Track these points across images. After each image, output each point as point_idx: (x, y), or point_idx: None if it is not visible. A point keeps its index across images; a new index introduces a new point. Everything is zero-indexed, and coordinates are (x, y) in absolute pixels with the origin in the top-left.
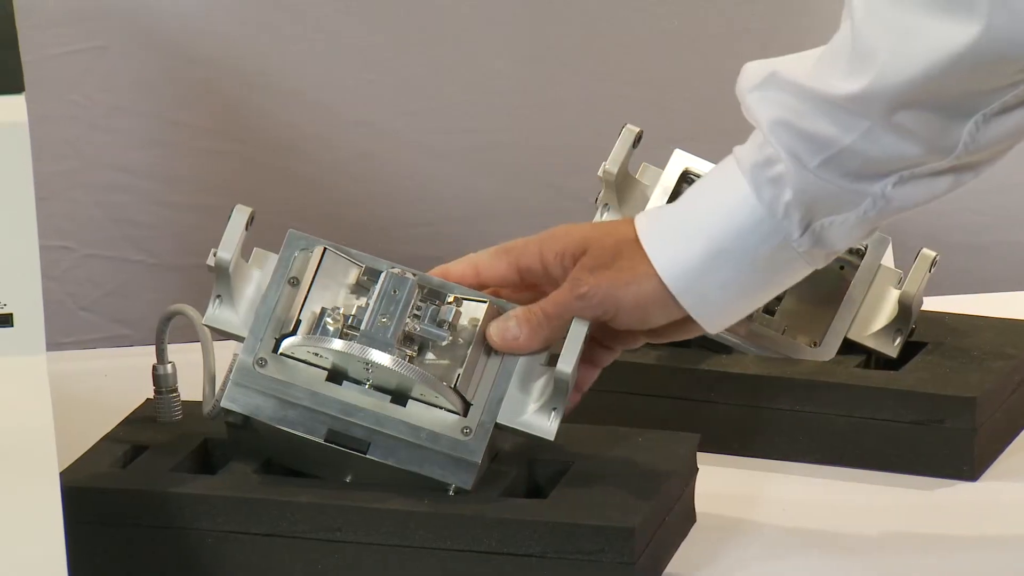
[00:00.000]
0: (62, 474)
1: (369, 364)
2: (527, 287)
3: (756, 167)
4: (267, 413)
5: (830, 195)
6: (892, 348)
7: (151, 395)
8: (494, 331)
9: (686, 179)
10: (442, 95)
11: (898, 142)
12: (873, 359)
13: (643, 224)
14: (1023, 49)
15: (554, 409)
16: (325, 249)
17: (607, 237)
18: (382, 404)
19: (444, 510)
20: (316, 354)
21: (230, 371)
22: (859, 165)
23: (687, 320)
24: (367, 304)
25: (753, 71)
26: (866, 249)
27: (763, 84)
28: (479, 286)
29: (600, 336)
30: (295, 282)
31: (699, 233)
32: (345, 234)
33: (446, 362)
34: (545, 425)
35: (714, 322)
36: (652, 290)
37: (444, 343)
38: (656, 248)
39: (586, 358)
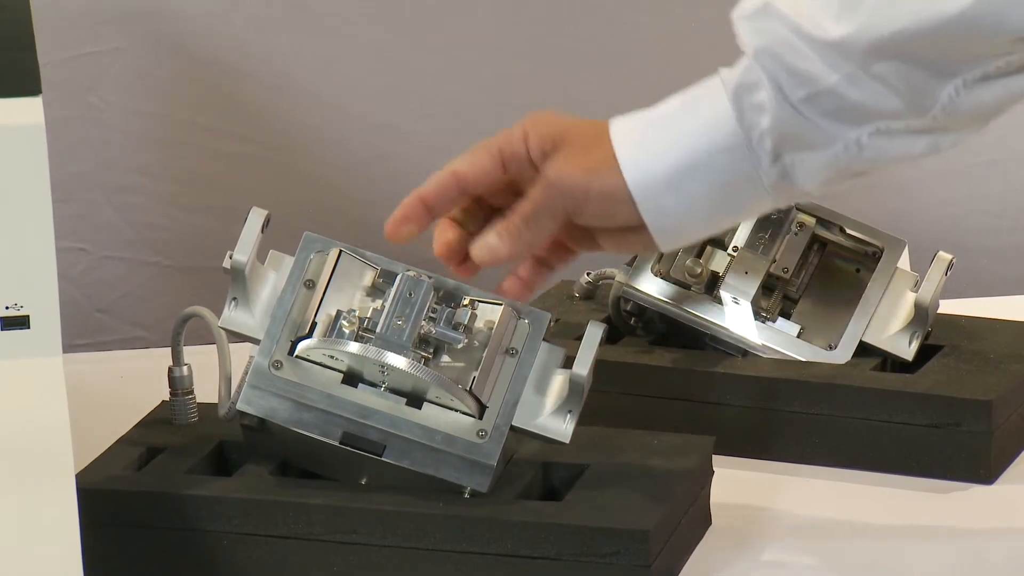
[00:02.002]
0: (78, 476)
1: (385, 367)
2: (510, 188)
3: (740, 89)
4: (282, 415)
5: (806, 131)
6: (908, 351)
7: (167, 397)
8: (477, 249)
9: None
10: (460, 97)
11: (878, 91)
12: (889, 362)
13: (618, 126)
14: (1012, 24)
15: (569, 412)
16: (341, 251)
17: (587, 129)
18: (397, 407)
19: (459, 512)
20: (332, 356)
21: (246, 373)
22: (839, 107)
23: (643, 232)
24: (383, 307)
25: (749, 1)
26: (882, 252)
27: (756, 13)
28: (463, 192)
29: (562, 235)
30: (311, 284)
31: (672, 145)
32: (361, 236)
33: (461, 365)
34: (560, 428)
35: (668, 238)
36: (617, 186)
37: (460, 346)
38: (626, 152)
39: (541, 259)
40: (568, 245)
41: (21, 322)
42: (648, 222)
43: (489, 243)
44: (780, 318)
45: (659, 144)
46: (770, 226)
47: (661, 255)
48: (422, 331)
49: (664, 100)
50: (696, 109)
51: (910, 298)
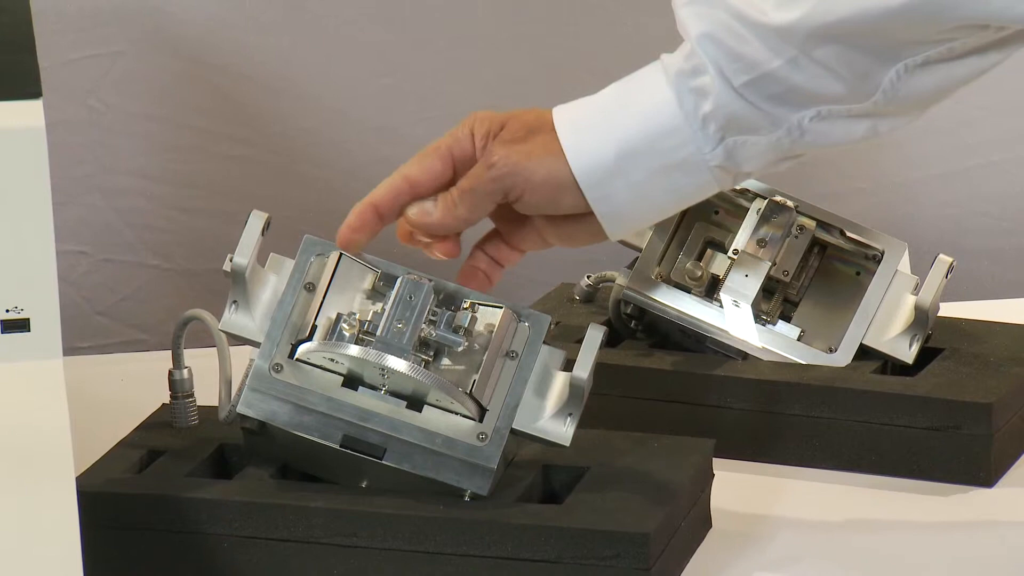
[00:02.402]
0: (78, 479)
1: (385, 370)
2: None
3: (681, 75)
4: (283, 418)
5: (748, 115)
6: (908, 354)
7: (167, 400)
8: (411, 210)
9: None
10: (461, 101)
11: (820, 76)
12: (889, 365)
13: (561, 113)
14: (956, 10)
15: (570, 415)
16: (341, 254)
17: (526, 115)
18: (398, 410)
19: (460, 516)
20: (332, 360)
21: (246, 376)
22: (781, 91)
23: (589, 220)
24: (383, 310)
25: None
26: (882, 255)
27: (698, 0)
28: (415, 196)
29: (507, 233)
30: (311, 287)
31: (614, 130)
32: None
33: (462, 368)
34: (560, 431)
35: (616, 225)
36: (562, 172)
37: (460, 349)
38: (569, 137)
39: (495, 253)
40: (512, 245)
41: (21, 325)
42: (595, 208)
43: (424, 207)
44: (780, 321)
45: (601, 129)
46: (770, 229)
47: (661, 258)
48: (422, 334)
49: (607, 87)
50: (637, 94)
51: (910, 301)
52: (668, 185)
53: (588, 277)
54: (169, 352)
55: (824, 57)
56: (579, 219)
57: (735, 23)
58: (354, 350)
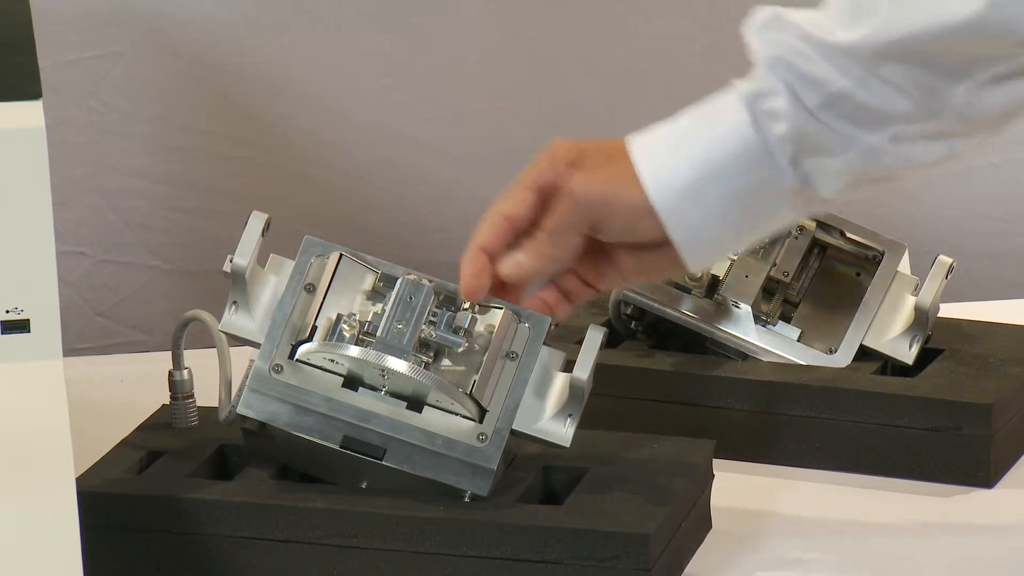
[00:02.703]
0: (78, 479)
1: (385, 371)
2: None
3: (754, 97)
4: (283, 419)
5: (822, 136)
6: (908, 355)
7: (167, 401)
8: (504, 267)
9: None
10: (459, 101)
11: (889, 95)
12: (889, 366)
13: (636, 140)
14: (1020, 27)
15: (570, 415)
16: (341, 255)
17: (603, 144)
18: (398, 410)
19: (460, 516)
20: (332, 360)
21: (246, 377)
22: (854, 110)
23: (670, 249)
24: (383, 310)
25: (758, 13)
26: (882, 256)
27: (766, 25)
28: (515, 232)
29: (585, 271)
30: (311, 288)
31: (689, 154)
32: (361, 240)
33: (462, 368)
34: (561, 431)
35: (694, 253)
36: (639, 198)
37: (460, 349)
38: (645, 165)
39: (565, 290)
40: (590, 282)
41: (21, 326)
42: (671, 234)
43: (516, 259)
44: (780, 322)
45: (677, 155)
46: None
47: None
48: (422, 335)
49: (679, 113)
50: (711, 118)
51: (910, 302)
52: (744, 210)
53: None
54: (169, 353)
55: (891, 75)
56: (659, 249)
57: (803, 45)
58: (354, 351)
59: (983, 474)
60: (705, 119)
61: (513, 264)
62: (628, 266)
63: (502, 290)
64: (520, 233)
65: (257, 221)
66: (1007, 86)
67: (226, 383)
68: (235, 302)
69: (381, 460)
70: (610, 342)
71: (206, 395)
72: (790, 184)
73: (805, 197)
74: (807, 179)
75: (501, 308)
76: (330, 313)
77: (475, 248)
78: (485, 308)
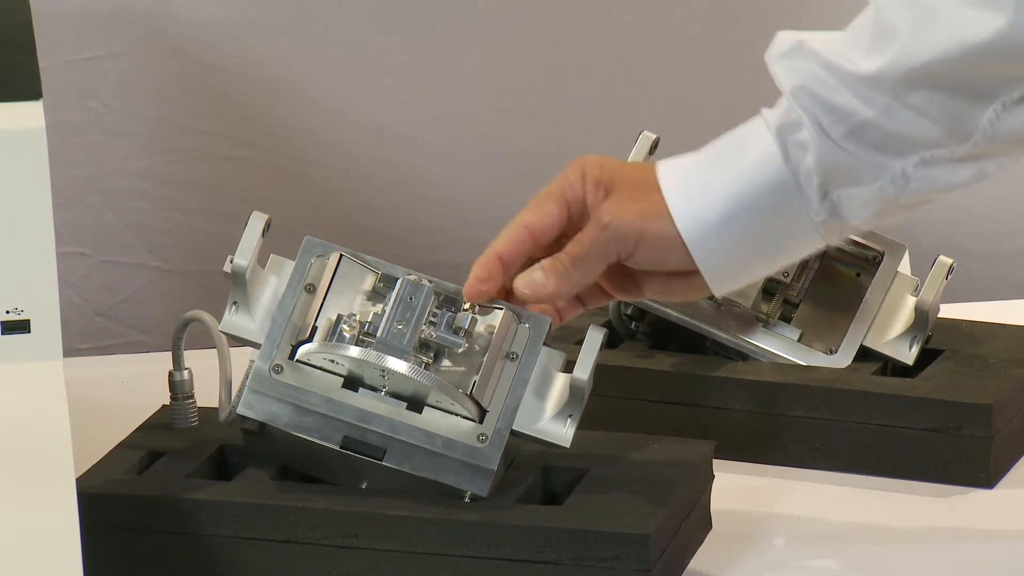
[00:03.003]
0: (78, 480)
1: (385, 371)
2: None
3: (783, 129)
4: (283, 420)
5: (850, 165)
6: (908, 355)
7: (167, 401)
8: (522, 284)
9: None
10: (460, 102)
11: (916, 122)
12: (889, 366)
13: (665, 172)
14: None
15: (570, 416)
16: (341, 256)
17: (635, 173)
18: (398, 411)
19: (459, 517)
20: (332, 361)
21: (246, 377)
22: (880, 138)
23: (693, 277)
24: (383, 311)
25: (782, 39)
26: (883, 256)
27: (789, 52)
28: (536, 244)
29: (602, 278)
30: (311, 289)
31: (720, 188)
32: (361, 240)
33: (462, 369)
34: (561, 432)
35: (721, 282)
36: (669, 232)
37: (460, 350)
38: (675, 198)
39: (578, 296)
40: (608, 290)
41: (22, 326)
42: (700, 266)
43: (535, 279)
44: (780, 322)
45: (708, 188)
46: None
47: None
48: (423, 335)
49: (709, 144)
50: (742, 151)
51: (911, 302)
52: (773, 241)
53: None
54: (169, 353)
55: (917, 102)
56: (685, 276)
57: (826, 74)
58: (354, 351)
59: (983, 475)
60: (735, 151)
61: (532, 284)
62: (650, 286)
63: (510, 297)
64: (540, 247)
65: (257, 221)
66: None
67: (226, 383)
68: (235, 302)
69: (381, 461)
70: (610, 342)
71: (206, 395)
72: (819, 215)
73: (834, 227)
74: (836, 209)
75: (501, 309)
76: (330, 313)
77: (491, 253)
78: (486, 309)
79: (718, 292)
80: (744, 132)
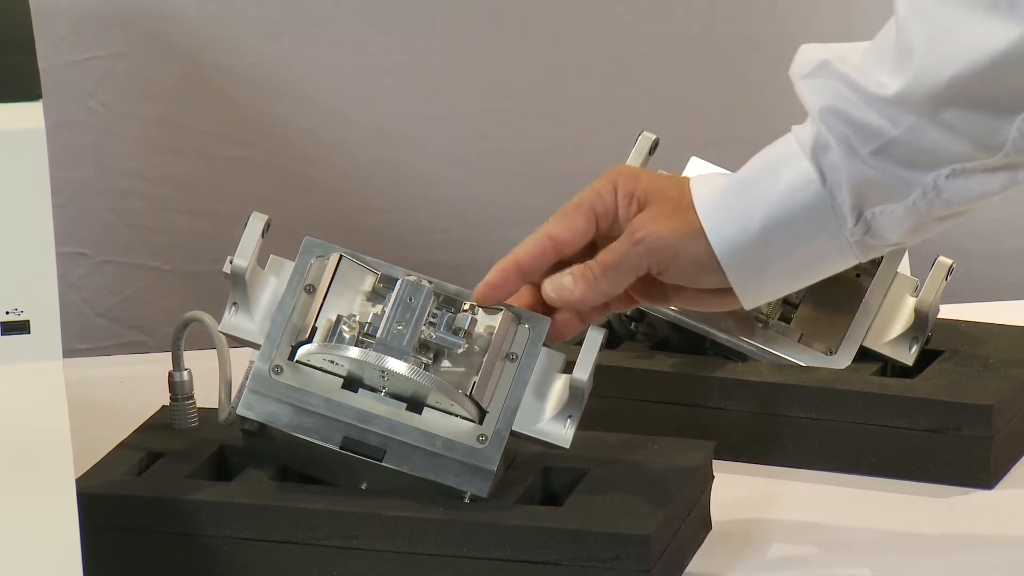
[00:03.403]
0: (78, 481)
1: (385, 372)
2: (594, 245)
3: (817, 150)
4: (283, 420)
5: (881, 183)
6: (908, 356)
7: (167, 402)
8: (549, 287)
9: None
10: (459, 102)
11: (945, 137)
12: (889, 367)
13: (700, 193)
14: None
15: (570, 417)
16: (341, 256)
17: (670, 190)
18: (397, 412)
19: (459, 518)
20: (332, 361)
21: (246, 378)
22: (910, 155)
23: (727, 293)
24: (383, 311)
25: (806, 57)
26: (882, 257)
27: (815, 72)
28: (559, 256)
29: (634, 287)
30: (311, 289)
31: (757, 211)
32: (361, 241)
33: (462, 370)
34: (561, 432)
35: (754, 299)
36: (705, 254)
37: (460, 351)
38: (712, 221)
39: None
40: (635, 297)
41: (21, 327)
42: (735, 287)
43: (563, 283)
44: (780, 323)
45: (744, 211)
46: None
47: None
48: (422, 336)
49: (744, 165)
50: (777, 173)
51: (910, 303)
52: (807, 261)
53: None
54: (169, 354)
55: (944, 120)
56: (716, 292)
57: (851, 94)
58: (354, 352)
59: (983, 475)
60: (769, 173)
61: (559, 288)
62: (679, 297)
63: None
64: (565, 257)
65: (257, 222)
66: None
67: (226, 384)
68: (235, 303)
69: (381, 461)
70: (610, 343)
71: (206, 396)
72: (854, 235)
73: (869, 245)
74: (870, 229)
75: (501, 309)
76: (330, 314)
77: (509, 260)
78: (486, 309)
79: (749, 307)
80: (778, 152)
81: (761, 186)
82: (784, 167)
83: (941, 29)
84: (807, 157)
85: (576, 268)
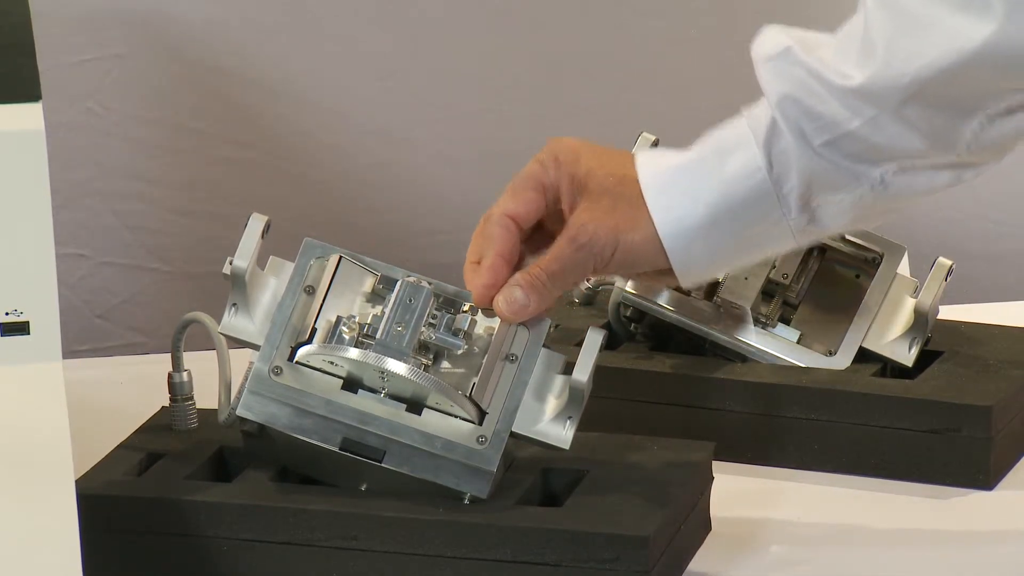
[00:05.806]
0: (78, 481)
1: (384, 373)
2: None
3: (769, 139)
4: (282, 421)
5: (829, 174)
6: (908, 357)
7: (167, 403)
8: (501, 303)
9: None
10: (458, 103)
11: (902, 133)
12: (889, 368)
13: (646, 174)
14: None
15: (569, 418)
16: (341, 257)
17: (609, 176)
18: (397, 413)
19: (459, 518)
20: (331, 363)
21: (246, 379)
22: (862, 149)
23: (667, 273)
24: (382, 313)
25: (770, 40)
26: (882, 258)
27: (778, 57)
28: (522, 232)
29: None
30: (311, 290)
31: (704, 195)
32: (361, 242)
33: (461, 371)
34: (560, 433)
35: (691, 279)
36: (646, 240)
37: (459, 352)
38: (659, 204)
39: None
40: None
41: (21, 328)
42: (675, 267)
43: (516, 297)
44: (780, 324)
45: (691, 194)
46: None
47: None
48: (422, 337)
49: (691, 145)
50: (725, 158)
51: (910, 304)
52: (749, 245)
53: (588, 280)
54: (169, 355)
55: (906, 115)
56: (656, 273)
57: (813, 83)
58: (353, 353)
59: (983, 476)
60: (718, 157)
61: (513, 303)
62: (617, 273)
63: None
64: (523, 234)
65: (257, 223)
66: (1017, 117)
67: (225, 385)
68: (235, 304)
69: (380, 462)
70: (609, 344)
71: (206, 397)
72: (798, 223)
73: (811, 232)
74: (815, 218)
75: None
76: (330, 315)
77: (494, 258)
78: (486, 310)
79: (687, 286)
80: (728, 136)
81: (708, 170)
82: (732, 153)
83: (910, 23)
84: (757, 144)
85: (523, 279)
